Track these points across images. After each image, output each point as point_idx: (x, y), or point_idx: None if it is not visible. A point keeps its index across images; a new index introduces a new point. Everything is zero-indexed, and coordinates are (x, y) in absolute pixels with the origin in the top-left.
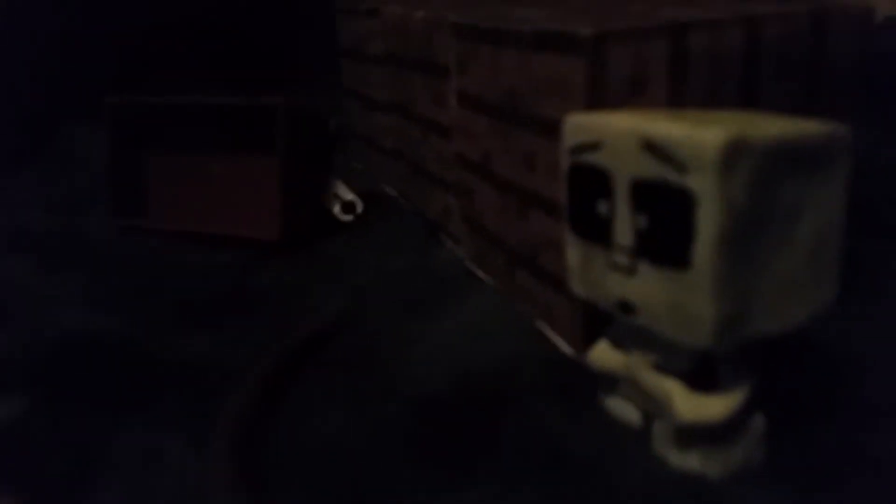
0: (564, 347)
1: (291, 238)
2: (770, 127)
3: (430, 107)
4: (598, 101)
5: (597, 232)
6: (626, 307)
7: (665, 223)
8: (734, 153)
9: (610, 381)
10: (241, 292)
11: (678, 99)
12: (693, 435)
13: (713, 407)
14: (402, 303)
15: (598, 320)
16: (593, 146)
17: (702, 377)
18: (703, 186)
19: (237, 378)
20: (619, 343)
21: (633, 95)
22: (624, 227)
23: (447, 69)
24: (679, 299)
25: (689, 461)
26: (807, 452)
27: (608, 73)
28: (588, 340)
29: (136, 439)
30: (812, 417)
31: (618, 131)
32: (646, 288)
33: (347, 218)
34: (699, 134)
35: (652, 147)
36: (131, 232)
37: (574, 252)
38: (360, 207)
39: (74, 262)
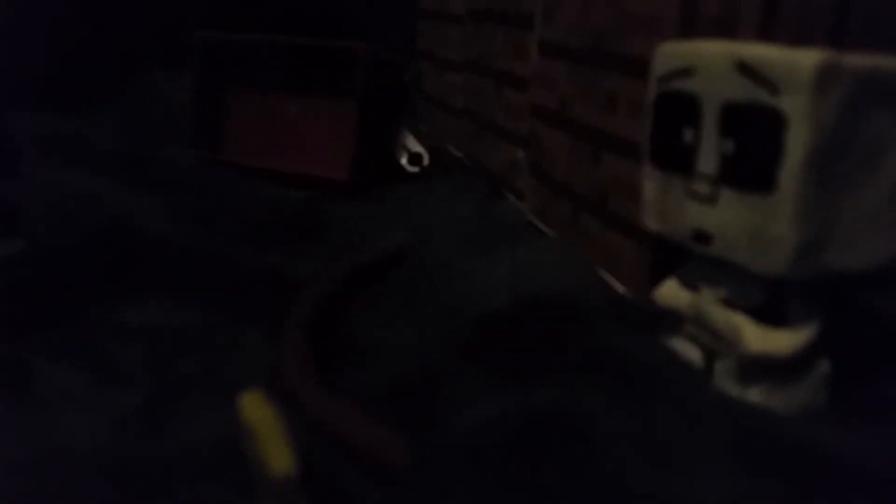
0: (626, 291)
1: (359, 181)
2: (863, 58)
3: (509, 60)
4: (688, 38)
5: (678, 161)
6: (702, 237)
7: (753, 146)
8: (828, 75)
9: (673, 321)
10: (310, 222)
11: (766, 41)
12: (757, 369)
13: (781, 340)
14: (464, 243)
15: (663, 264)
16: (685, 72)
17: (772, 311)
18: (795, 108)
19: (307, 284)
20: (686, 283)
21: (722, 34)
22: (708, 155)
23: (531, 19)
24: (759, 225)
25: (752, 395)
26: (871, 398)
27: (700, 11)
28: (652, 283)
29: (219, 328)
30: (878, 366)
31: (712, 55)
32: (725, 216)
33: (414, 169)
34: (794, 55)
35: (746, 69)
36: (207, 164)
37: (651, 184)
38: (426, 160)
39: (154, 185)
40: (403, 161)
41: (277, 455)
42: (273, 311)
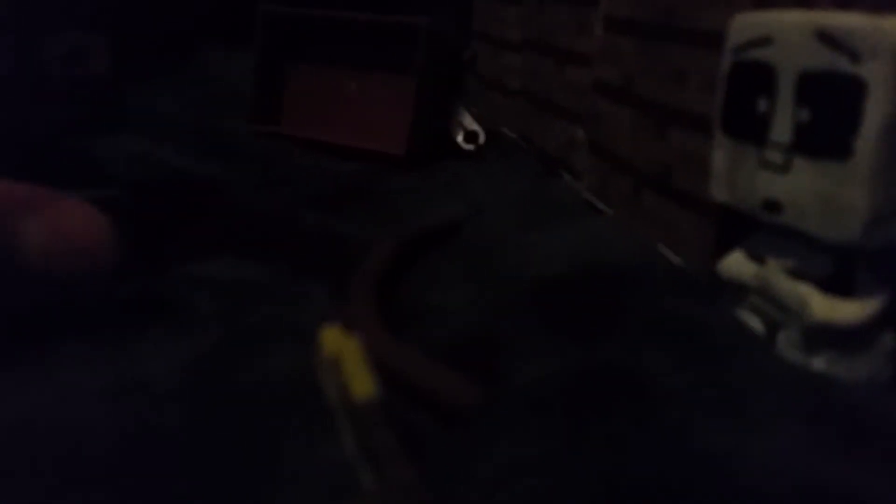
0: (686, 265)
1: (416, 157)
2: None
3: (571, 37)
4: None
5: (751, 131)
6: (772, 206)
7: (830, 114)
8: None
9: (736, 292)
10: (367, 193)
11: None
12: (822, 339)
13: (848, 309)
14: (520, 218)
15: (726, 237)
16: (762, 41)
17: (839, 281)
18: (877, 75)
19: (367, 247)
20: (752, 254)
21: (799, 3)
22: (783, 123)
23: None
24: (832, 193)
25: (816, 363)
26: None
27: None
28: (716, 257)
29: (286, 283)
30: None
31: (791, 23)
32: (797, 184)
33: (469, 147)
34: (876, 23)
35: (826, 37)
36: (267, 136)
37: (721, 154)
38: (482, 138)
39: (216, 153)
40: (459, 138)
41: (360, 382)
42: (337, 269)
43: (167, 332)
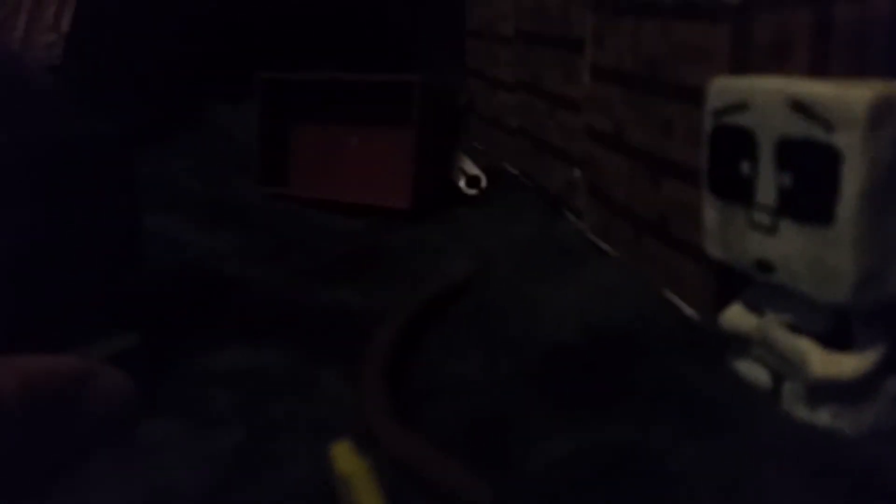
0: (692, 313)
1: (420, 208)
2: None
3: (560, 82)
4: (740, 68)
5: (737, 192)
6: (764, 266)
7: (810, 180)
8: (881, 111)
9: (740, 344)
10: (374, 252)
11: (820, 69)
12: (825, 392)
13: (847, 364)
14: (528, 267)
15: (728, 286)
16: (739, 107)
17: (837, 335)
18: (850, 144)
19: (378, 321)
20: (752, 306)
21: (775, 63)
22: (767, 187)
23: (581, 43)
24: (820, 255)
25: (820, 417)
26: None
27: (752, 41)
28: (718, 306)
29: (299, 371)
30: None
31: (765, 92)
32: (786, 246)
33: (472, 191)
34: (846, 93)
35: (799, 106)
36: (275, 198)
37: (712, 213)
38: (484, 182)
39: (226, 221)
40: (461, 184)
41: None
42: (348, 349)
43: (190, 435)
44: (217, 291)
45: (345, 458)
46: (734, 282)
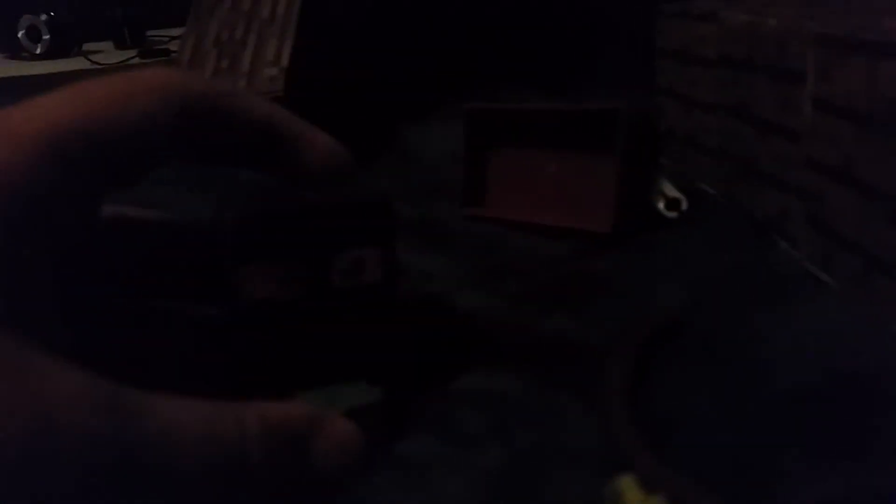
0: None
1: (621, 231)
2: None
3: (774, 110)
4: None
5: None
6: None
7: None
8: None
9: None
10: (584, 278)
11: None
12: None
13: None
14: (746, 299)
15: None
16: None
17: None
18: None
19: (603, 352)
20: None
21: None
22: None
23: (801, 75)
24: None
25: None
26: None
27: None
28: None
29: (534, 397)
30: None
31: None
32: None
33: (672, 215)
34: None
35: None
36: (475, 219)
37: None
38: (684, 205)
39: (437, 244)
40: (661, 206)
41: None
42: (580, 379)
43: (454, 452)
44: (446, 316)
45: (635, 494)
46: None
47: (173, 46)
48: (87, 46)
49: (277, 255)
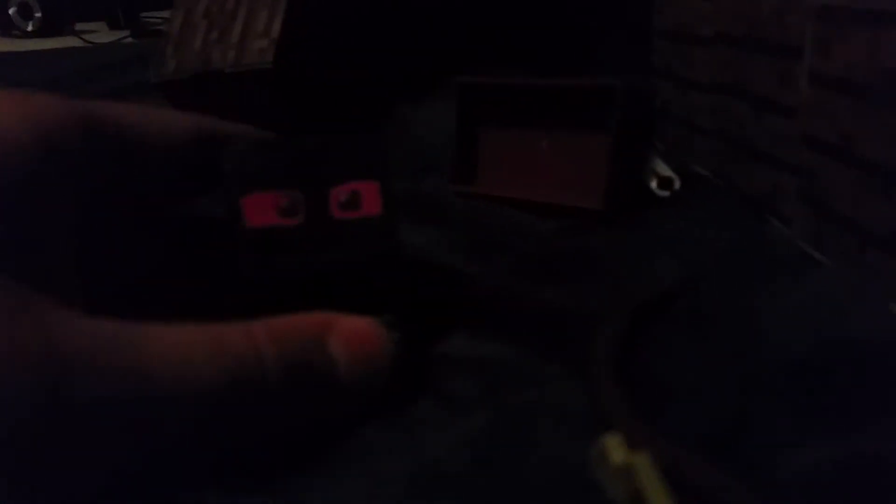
0: None
1: (613, 209)
2: None
3: (771, 87)
4: None
5: None
6: None
7: None
8: None
9: None
10: (575, 253)
11: None
12: None
13: None
14: (740, 276)
15: None
16: None
17: None
18: None
19: (593, 322)
20: None
21: None
22: None
23: (798, 50)
24: None
25: None
26: None
27: None
28: None
29: (525, 362)
30: None
31: None
32: None
33: (664, 193)
34: None
35: None
36: (466, 195)
37: None
38: (677, 184)
39: (427, 218)
40: (653, 185)
41: (658, 497)
42: (570, 347)
43: (442, 414)
44: (439, 283)
45: (620, 450)
46: None
47: (167, 28)
48: (79, 26)
49: (276, 185)
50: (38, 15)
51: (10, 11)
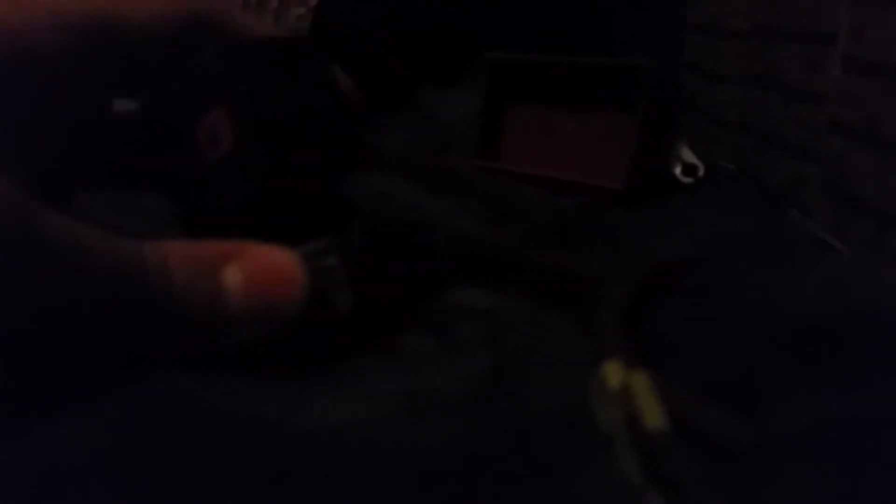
0: None
1: (634, 191)
2: None
3: (801, 75)
4: None
5: None
6: None
7: None
8: None
9: None
10: (592, 227)
11: None
12: None
13: None
14: (754, 256)
15: None
16: None
17: None
18: None
19: (605, 285)
20: None
21: None
22: None
23: (834, 36)
24: None
25: None
26: None
27: None
28: None
29: (535, 317)
30: None
31: None
32: None
33: (688, 180)
34: None
35: None
36: (487, 171)
37: None
38: (701, 171)
39: (444, 188)
40: (677, 171)
41: (652, 413)
42: (577, 304)
43: (444, 354)
44: (442, 244)
45: (618, 373)
46: None
47: None
48: None
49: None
50: None
51: None
